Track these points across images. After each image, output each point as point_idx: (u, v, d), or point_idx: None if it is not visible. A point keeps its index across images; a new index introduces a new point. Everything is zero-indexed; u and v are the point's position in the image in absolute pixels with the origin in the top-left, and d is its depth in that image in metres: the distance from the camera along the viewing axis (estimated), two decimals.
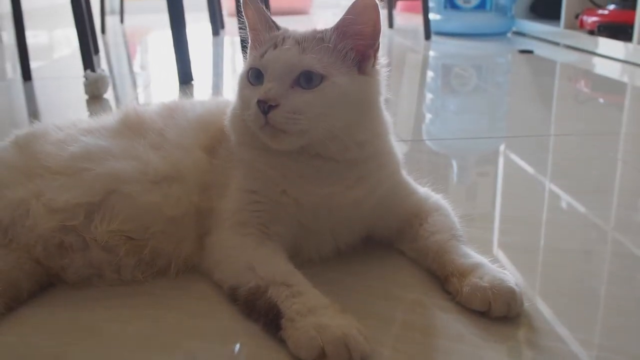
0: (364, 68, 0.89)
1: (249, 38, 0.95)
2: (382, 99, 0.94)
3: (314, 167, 0.90)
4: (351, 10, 0.86)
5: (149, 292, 0.90)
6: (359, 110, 0.89)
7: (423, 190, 1.06)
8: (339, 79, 0.86)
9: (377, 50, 0.90)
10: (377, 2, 0.86)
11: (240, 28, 0.97)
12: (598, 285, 0.93)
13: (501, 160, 1.62)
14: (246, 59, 0.97)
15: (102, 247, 0.89)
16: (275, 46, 0.89)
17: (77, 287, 0.90)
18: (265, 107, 0.83)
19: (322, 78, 0.85)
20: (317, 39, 0.88)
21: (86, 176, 0.91)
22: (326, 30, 0.89)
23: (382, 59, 0.92)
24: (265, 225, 0.91)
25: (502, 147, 1.71)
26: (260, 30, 0.93)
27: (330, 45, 0.87)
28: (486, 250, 0.99)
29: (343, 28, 0.88)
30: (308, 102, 0.84)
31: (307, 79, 0.85)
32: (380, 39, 0.90)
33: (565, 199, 1.30)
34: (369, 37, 0.88)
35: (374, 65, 0.90)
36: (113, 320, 0.83)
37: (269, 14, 0.94)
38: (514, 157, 1.61)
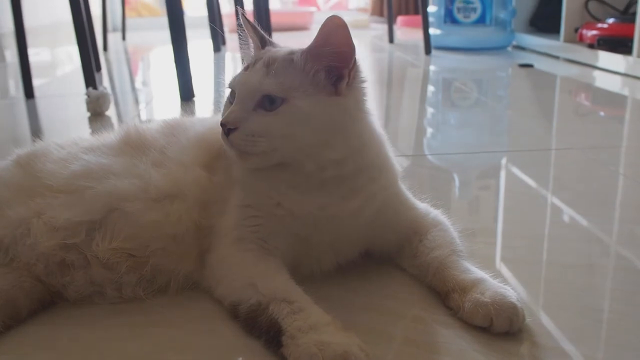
0: (338, 88, 0.88)
1: (253, 51, 0.97)
2: (366, 117, 0.92)
3: (303, 179, 0.90)
4: (320, 31, 0.86)
5: (150, 309, 0.89)
6: (325, 131, 0.87)
7: (422, 205, 1.05)
8: (300, 102, 0.85)
9: (352, 69, 0.88)
10: (345, 22, 0.84)
11: (241, 45, 0.98)
12: (601, 300, 0.93)
13: (503, 175, 1.62)
14: None
15: (103, 265, 0.89)
16: (247, 68, 0.91)
17: (78, 305, 0.90)
18: (226, 129, 0.86)
19: (282, 100, 0.85)
20: (287, 60, 0.88)
21: (87, 194, 0.91)
22: (298, 51, 0.89)
23: (361, 75, 0.91)
24: (264, 240, 0.91)
25: (503, 161, 1.71)
26: (255, 47, 0.96)
27: (299, 66, 0.87)
28: (488, 265, 0.99)
29: (315, 50, 0.87)
30: (267, 124, 0.85)
31: (270, 101, 0.86)
32: (357, 56, 0.88)
33: (568, 213, 1.29)
34: (341, 57, 0.87)
35: (349, 85, 0.88)
36: (114, 338, 0.83)
37: (261, 32, 0.96)
38: (516, 171, 1.60)
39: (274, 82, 0.86)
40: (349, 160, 0.90)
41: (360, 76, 0.91)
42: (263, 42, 0.95)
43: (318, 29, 0.86)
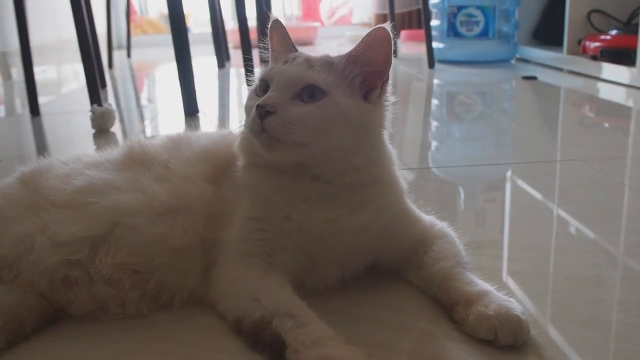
0: (370, 97, 0.91)
1: (270, 60, 0.99)
2: (384, 131, 0.95)
3: (315, 190, 0.90)
4: (365, 40, 0.89)
5: (155, 325, 0.89)
6: (356, 133, 0.89)
7: (428, 218, 1.05)
8: (340, 99, 0.88)
9: (385, 82, 0.92)
10: (391, 35, 0.88)
11: (262, 48, 1.00)
12: (609, 312, 0.92)
13: (508, 187, 1.62)
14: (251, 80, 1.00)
15: (107, 281, 0.89)
16: (286, 62, 0.92)
17: (83, 322, 0.90)
18: (263, 112, 0.85)
19: (323, 94, 0.87)
20: (326, 61, 0.91)
21: (91, 209, 0.91)
22: (338, 56, 0.92)
23: (391, 95, 0.94)
24: (270, 254, 0.90)
25: (508, 174, 1.70)
26: (279, 51, 0.97)
27: (339, 68, 0.90)
28: (495, 277, 0.98)
29: (355, 55, 0.90)
30: (305, 114, 0.86)
31: (310, 94, 0.87)
32: (390, 72, 0.92)
33: (574, 225, 1.29)
34: (378, 68, 0.90)
35: (380, 97, 0.92)
36: (120, 354, 0.83)
37: (290, 37, 0.98)
38: (521, 183, 1.60)
39: (317, 74, 0.88)
40: (367, 170, 0.91)
41: (388, 93, 0.94)
42: (295, 48, 0.97)
43: (363, 37, 0.90)
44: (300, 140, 0.86)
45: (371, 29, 0.89)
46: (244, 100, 0.96)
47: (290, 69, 0.90)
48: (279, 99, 0.86)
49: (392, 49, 0.90)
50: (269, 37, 0.98)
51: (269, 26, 0.98)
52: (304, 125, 0.86)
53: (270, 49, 0.99)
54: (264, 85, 0.91)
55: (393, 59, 0.92)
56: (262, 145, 0.88)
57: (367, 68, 0.90)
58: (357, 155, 0.90)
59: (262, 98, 0.87)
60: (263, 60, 1.01)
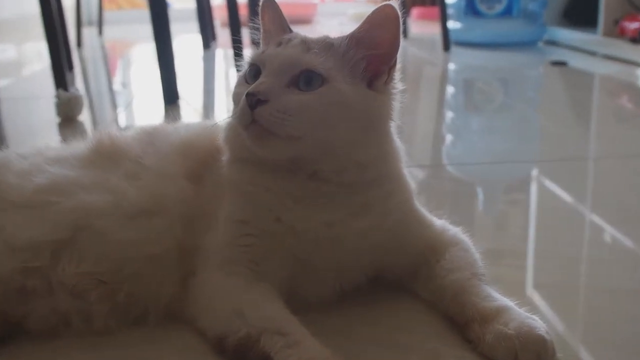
0: (375, 84, 0.91)
1: (261, 42, 0.98)
2: (391, 123, 0.95)
3: (311, 189, 0.90)
4: (370, 19, 0.89)
5: (124, 343, 0.89)
6: (360, 125, 0.89)
7: (439, 222, 1.05)
8: (341, 86, 0.88)
9: (392, 67, 0.92)
10: (399, 13, 0.88)
11: (252, 29, 1.00)
12: None
13: (534, 188, 1.62)
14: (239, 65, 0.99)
15: (70, 292, 0.88)
16: (280, 44, 0.91)
17: (41, 338, 0.89)
18: (253, 100, 0.85)
19: (322, 81, 0.87)
20: (326, 43, 0.91)
21: (53, 211, 0.91)
22: (339, 37, 0.92)
23: (399, 82, 0.94)
24: (257, 262, 0.90)
25: (534, 173, 1.70)
26: (272, 32, 0.97)
27: (340, 51, 0.90)
28: (517, 291, 0.99)
29: (358, 36, 0.90)
30: (301, 103, 0.86)
31: (307, 81, 0.87)
32: (398, 57, 0.92)
33: (609, 232, 1.29)
34: (384, 51, 0.90)
35: (386, 84, 0.92)
36: None
37: (284, 17, 0.97)
38: (548, 183, 1.60)
39: (315, 58, 0.88)
40: (371, 167, 0.91)
41: (396, 79, 0.93)
42: (290, 29, 0.97)
43: (367, 15, 0.89)
44: (296, 133, 0.86)
45: (377, 6, 0.88)
46: (232, 87, 0.95)
47: (284, 51, 0.89)
48: (272, 86, 0.86)
49: (401, 29, 0.90)
50: (260, 16, 0.98)
51: (260, 4, 0.97)
52: (300, 115, 0.85)
53: (261, 30, 0.98)
54: (255, 71, 0.91)
55: (402, 41, 0.91)
56: (252, 139, 0.87)
57: (372, 51, 0.90)
58: (360, 151, 0.90)
59: (253, 85, 0.87)
60: (254, 42, 1.01)
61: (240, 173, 0.93)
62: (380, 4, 0.88)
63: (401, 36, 0.91)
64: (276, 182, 0.90)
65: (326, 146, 0.88)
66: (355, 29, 0.91)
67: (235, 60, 1.03)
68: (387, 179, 0.94)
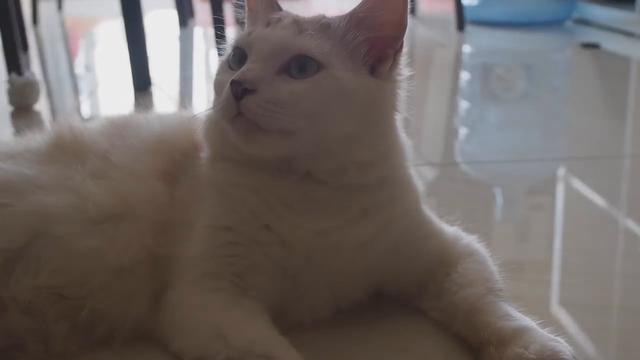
0: (378, 70, 0.91)
1: (246, 22, 0.98)
2: (396, 114, 0.95)
3: (305, 193, 0.90)
4: None
5: None
6: (361, 118, 0.89)
7: (451, 230, 1.06)
8: (340, 73, 0.87)
9: (398, 51, 0.92)
10: None
11: (236, 6, 0.99)
12: None
13: (560, 190, 1.62)
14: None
15: (24, 309, 0.88)
16: (268, 24, 0.91)
17: None
18: (239, 90, 0.84)
19: (318, 67, 0.87)
20: (322, 23, 0.91)
21: (4, 214, 0.91)
22: (336, 17, 0.92)
23: (405, 68, 0.94)
24: (241, 275, 0.90)
25: (561, 172, 1.71)
26: (259, 11, 0.96)
27: (338, 32, 0.90)
28: (541, 309, 0.99)
29: (360, 17, 0.90)
30: (295, 92, 0.86)
31: (300, 67, 0.87)
32: (405, 39, 0.91)
33: None
34: (389, 32, 0.90)
35: (391, 70, 0.92)
36: None
37: None
38: (577, 184, 1.60)
39: (309, 41, 0.88)
40: (374, 167, 0.92)
41: (402, 65, 0.93)
42: (278, 6, 0.97)
43: None
44: (288, 127, 0.86)
45: None
46: (213, 72, 0.95)
47: (274, 33, 0.89)
48: (260, 73, 0.86)
49: (408, 7, 0.90)
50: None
51: None
52: (293, 107, 0.85)
53: (246, 8, 0.98)
54: (240, 55, 0.90)
55: (410, 20, 0.91)
56: (237, 134, 0.87)
57: (376, 33, 0.90)
58: (362, 148, 0.90)
59: (238, 72, 0.86)
60: (238, 21, 1.01)
61: (222, 173, 0.93)
62: None
63: (408, 16, 0.90)
64: (264, 183, 0.90)
65: (322, 142, 0.88)
66: (356, 7, 0.90)
67: (217, 42, 1.02)
68: (390, 181, 0.94)
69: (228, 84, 0.85)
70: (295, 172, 0.90)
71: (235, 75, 0.85)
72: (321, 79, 0.87)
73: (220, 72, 0.93)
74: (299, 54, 0.87)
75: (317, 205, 0.90)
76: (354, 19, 0.90)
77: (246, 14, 0.98)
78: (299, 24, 0.90)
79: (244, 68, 0.87)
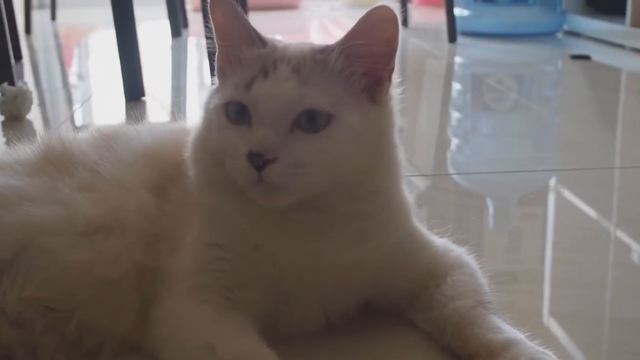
0: (377, 97, 0.90)
1: (217, 50, 0.94)
2: (396, 131, 0.94)
3: (300, 217, 0.89)
4: (363, 23, 0.86)
5: None
6: (374, 151, 0.89)
7: (441, 241, 1.05)
8: (350, 117, 0.86)
9: (392, 71, 0.91)
10: (396, 14, 0.86)
11: (207, 37, 0.95)
12: None
13: (552, 200, 1.62)
14: (215, 75, 0.96)
15: (13, 322, 0.87)
16: (266, 73, 0.87)
17: None
18: (261, 162, 0.82)
19: (329, 117, 0.85)
20: (318, 61, 0.88)
21: None
22: (329, 49, 0.89)
23: (396, 79, 0.93)
24: (231, 289, 0.90)
25: (552, 183, 1.71)
26: (237, 43, 0.91)
27: (335, 68, 0.88)
28: (532, 320, 0.99)
29: (351, 46, 0.88)
30: (313, 150, 0.84)
31: (310, 118, 0.85)
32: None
33: (638, 251, 1.29)
34: (383, 58, 0.89)
35: (387, 92, 0.91)
36: None
37: (248, 21, 0.92)
38: (569, 195, 1.60)
39: (317, 93, 0.85)
40: (384, 191, 0.92)
41: (395, 80, 0.92)
42: (260, 38, 0.92)
43: (358, 19, 0.86)
44: (311, 182, 0.85)
45: (369, 9, 0.85)
46: (206, 80, 0.93)
47: (279, 90, 0.85)
48: (277, 139, 0.83)
49: (399, 29, 0.88)
50: (212, 19, 0.92)
51: (210, 3, 0.91)
52: (314, 163, 0.84)
53: (215, 36, 0.93)
54: (240, 108, 0.87)
55: (402, 32, 0.90)
56: (258, 196, 0.86)
57: (369, 61, 0.88)
58: (376, 176, 0.90)
59: (254, 141, 0.83)
60: (210, 54, 0.97)
61: (212, 195, 0.92)
62: (374, 7, 0.85)
63: (399, 38, 0.88)
64: (255, 207, 0.88)
65: (337, 181, 0.87)
66: (346, 38, 0.88)
67: (209, 56, 0.98)
68: (389, 200, 0.94)
69: (243, 152, 0.82)
70: (304, 208, 0.89)
71: (252, 145, 0.82)
72: (335, 130, 0.85)
73: (223, 127, 0.88)
74: (308, 109, 0.84)
75: (311, 228, 0.90)
76: (347, 50, 0.88)
77: (216, 43, 0.94)
78: (298, 70, 0.87)
79: (258, 136, 0.83)
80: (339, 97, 0.86)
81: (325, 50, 0.89)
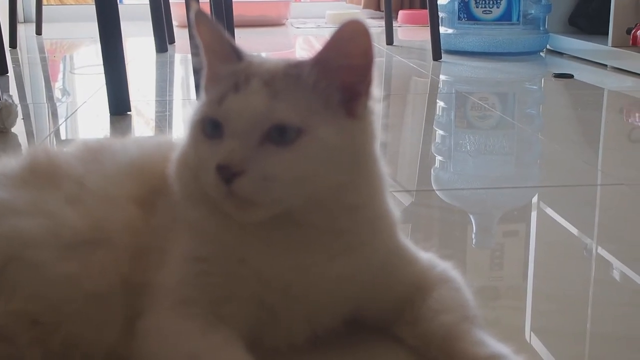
0: (354, 109, 0.89)
1: (205, 63, 0.94)
2: (377, 144, 0.93)
3: (285, 232, 0.89)
4: (336, 38, 0.86)
5: None
6: (350, 167, 0.88)
7: (426, 256, 1.05)
8: (322, 131, 0.85)
9: (369, 84, 0.90)
10: (367, 27, 0.85)
11: (193, 53, 0.95)
12: None
13: (534, 217, 1.63)
14: (200, 91, 0.96)
15: None
16: (237, 88, 0.87)
17: None
18: (228, 174, 0.82)
19: (299, 132, 0.84)
20: (291, 76, 0.88)
21: None
22: (303, 63, 0.89)
23: (375, 92, 0.92)
24: (217, 303, 0.89)
25: (534, 200, 1.72)
26: (216, 58, 0.92)
27: (309, 82, 0.87)
28: (515, 335, 1.00)
29: (325, 61, 0.87)
30: (283, 164, 0.83)
31: (280, 132, 0.84)
32: (374, 70, 0.89)
33: (618, 268, 1.29)
34: (359, 71, 0.88)
35: (365, 105, 0.90)
36: None
37: (228, 36, 0.93)
38: (551, 212, 1.61)
39: (286, 107, 0.84)
40: (363, 208, 0.91)
41: (373, 94, 0.91)
42: (238, 54, 0.92)
43: (331, 34, 0.86)
44: (281, 196, 0.85)
45: (340, 24, 0.85)
46: (192, 96, 0.93)
47: (248, 103, 0.85)
48: (245, 152, 0.83)
49: (373, 42, 0.87)
50: (198, 34, 0.93)
51: (194, 20, 0.92)
52: (283, 177, 0.83)
53: (203, 50, 0.94)
54: (214, 124, 0.87)
55: (387, 48, 0.91)
56: (230, 209, 0.86)
57: (345, 75, 0.88)
58: (354, 193, 0.89)
59: (222, 154, 0.83)
60: (196, 71, 0.97)
61: (196, 210, 0.91)
62: (345, 21, 0.84)
63: (374, 50, 0.88)
64: (240, 225, 0.88)
65: (313, 196, 0.86)
66: (320, 54, 0.88)
67: (195, 72, 0.98)
68: (375, 217, 0.94)
69: (213, 165, 0.82)
70: (281, 220, 0.88)
71: (220, 158, 0.82)
72: (305, 144, 0.84)
73: (199, 142, 0.88)
74: (277, 124, 0.84)
75: (296, 243, 0.89)
76: (321, 65, 0.87)
77: (204, 56, 0.94)
78: (270, 84, 0.86)
79: (225, 148, 0.83)
80: (311, 111, 0.86)
81: (299, 65, 0.89)
